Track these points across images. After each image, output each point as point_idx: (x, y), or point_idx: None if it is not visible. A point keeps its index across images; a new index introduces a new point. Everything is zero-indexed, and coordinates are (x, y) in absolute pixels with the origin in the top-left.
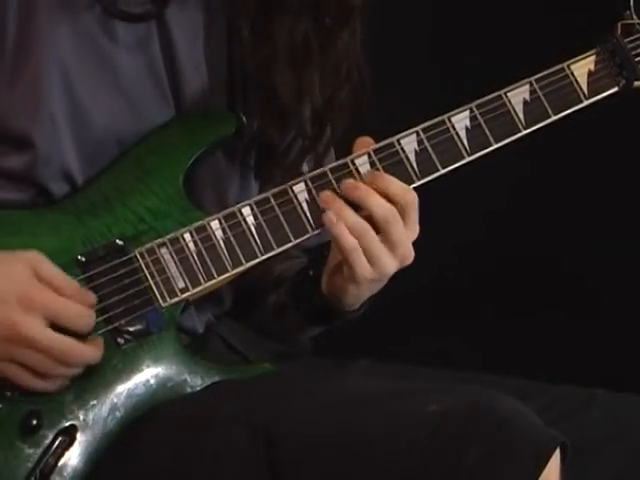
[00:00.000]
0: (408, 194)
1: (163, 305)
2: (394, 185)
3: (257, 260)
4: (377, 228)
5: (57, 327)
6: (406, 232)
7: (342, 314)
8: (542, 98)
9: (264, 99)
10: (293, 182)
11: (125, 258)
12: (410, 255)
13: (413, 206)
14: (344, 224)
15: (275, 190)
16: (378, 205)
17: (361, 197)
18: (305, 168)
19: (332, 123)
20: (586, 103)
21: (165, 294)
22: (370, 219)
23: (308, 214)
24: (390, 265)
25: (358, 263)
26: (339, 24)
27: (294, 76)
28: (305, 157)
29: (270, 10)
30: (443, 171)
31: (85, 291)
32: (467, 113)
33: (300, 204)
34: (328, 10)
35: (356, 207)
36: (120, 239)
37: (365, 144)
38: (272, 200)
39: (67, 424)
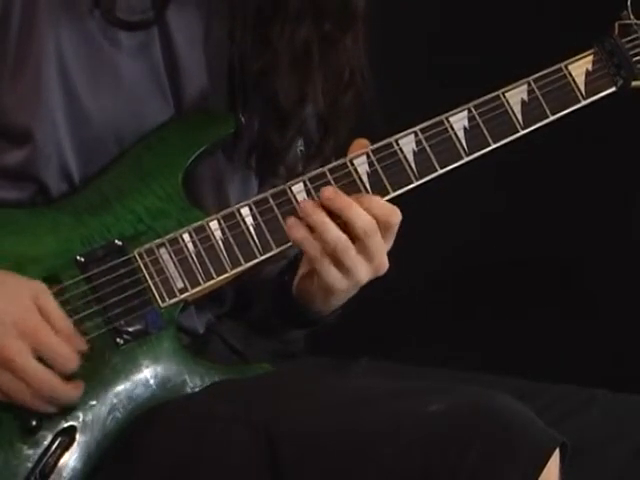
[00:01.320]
0: (395, 216)
1: (162, 305)
2: (382, 207)
3: (256, 260)
4: (354, 238)
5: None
6: (384, 244)
7: (312, 320)
8: (540, 98)
9: (264, 102)
10: (292, 182)
11: (124, 258)
12: (385, 265)
13: (396, 226)
14: (322, 236)
15: (274, 190)
16: (359, 216)
17: (341, 208)
18: None
19: (337, 128)
20: (584, 103)
21: (164, 294)
22: (346, 227)
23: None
24: (365, 275)
25: (327, 273)
26: (341, 29)
27: (295, 81)
28: (311, 163)
29: (270, 15)
30: (441, 171)
31: (78, 336)
32: (465, 113)
33: (299, 204)
34: (329, 15)
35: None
36: (119, 239)
37: (362, 145)
38: (271, 200)
39: (66, 425)
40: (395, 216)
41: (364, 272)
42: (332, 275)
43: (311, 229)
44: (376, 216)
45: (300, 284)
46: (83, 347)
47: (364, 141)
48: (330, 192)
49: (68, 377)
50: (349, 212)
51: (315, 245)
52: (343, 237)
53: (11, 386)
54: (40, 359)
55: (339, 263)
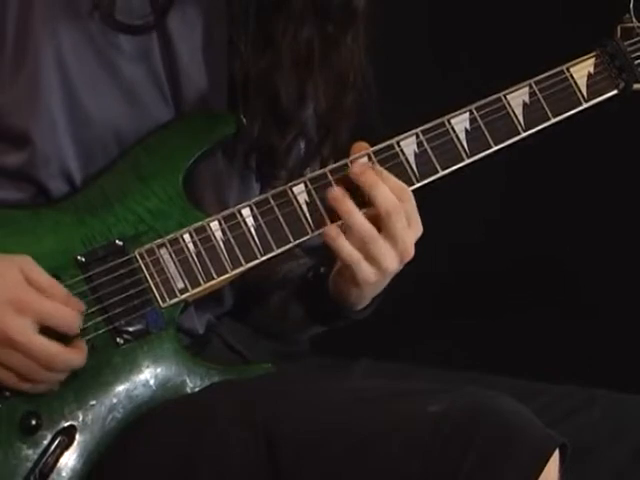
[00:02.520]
0: (405, 191)
1: (162, 305)
2: (392, 180)
3: (257, 261)
4: (380, 223)
5: (45, 332)
6: (407, 228)
7: (347, 314)
8: (542, 100)
9: (265, 104)
10: (293, 183)
11: (125, 259)
12: (410, 251)
13: (411, 202)
14: (351, 228)
15: (275, 191)
16: (383, 194)
17: (368, 183)
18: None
19: (337, 128)
20: (585, 106)
21: (164, 294)
22: (372, 214)
23: (308, 215)
24: (392, 263)
25: (361, 270)
26: (342, 30)
27: (296, 82)
28: (310, 162)
29: (271, 17)
30: (443, 173)
31: (73, 297)
32: (467, 115)
33: (300, 205)
34: (331, 16)
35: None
36: (120, 239)
37: (361, 148)
38: (272, 201)
39: (66, 424)
40: (406, 191)
41: (390, 259)
42: (364, 269)
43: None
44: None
45: (335, 278)
46: (80, 306)
47: (364, 144)
48: (359, 167)
49: (69, 342)
50: (376, 189)
51: (352, 248)
52: (368, 225)
53: (19, 364)
54: (42, 330)
55: (368, 254)
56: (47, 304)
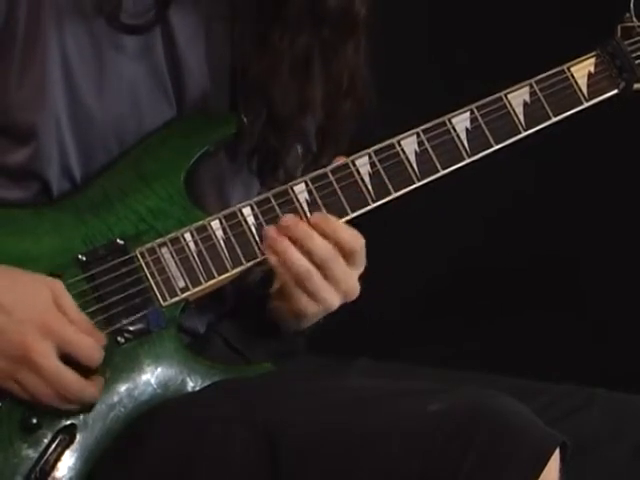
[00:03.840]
0: (357, 241)
1: (163, 304)
2: (343, 233)
3: (257, 260)
4: (317, 266)
5: (66, 361)
6: (349, 270)
7: (285, 335)
8: (542, 100)
9: (264, 107)
10: (294, 182)
11: (126, 257)
12: (355, 290)
13: (361, 251)
14: (286, 265)
15: (276, 190)
16: (316, 247)
17: (300, 237)
18: None
19: (335, 136)
20: (586, 105)
21: (165, 293)
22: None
23: (309, 214)
24: (333, 301)
25: (299, 298)
26: (342, 38)
27: (295, 88)
28: (309, 170)
29: (270, 21)
30: (443, 172)
31: (96, 329)
32: (468, 114)
33: (301, 205)
34: (331, 22)
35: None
36: (121, 238)
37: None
38: (273, 200)
39: (67, 423)
40: (357, 242)
41: (331, 297)
42: (303, 301)
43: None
44: (338, 242)
45: (274, 302)
46: (103, 340)
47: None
48: (289, 220)
49: (86, 374)
50: (308, 242)
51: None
52: (305, 264)
53: (34, 385)
54: (62, 357)
55: (305, 289)
56: (73, 333)
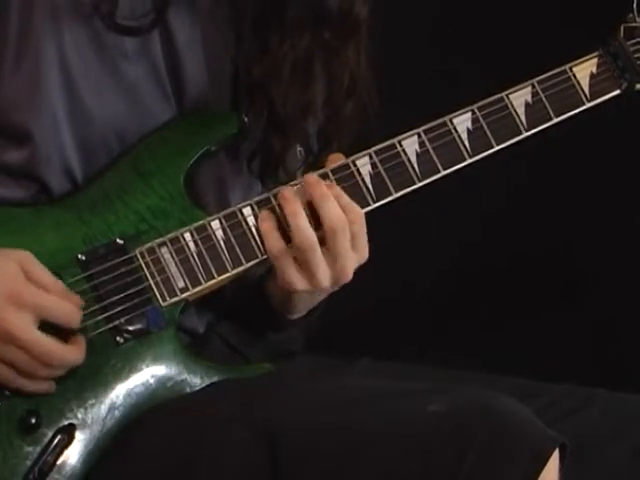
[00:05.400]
0: (356, 213)
1: (163, 304)
2: (345, 199)
3: (257, 260)
4: (323, 238)
5: (44, 328)
6: (350, 250)
7: (281, 319)
8: (544, 100)
9: (266, 108)
10: (294, 182)
11: (125, 257)
12: (349, 274)
13: (360, 225)
14: (293, 230)
15: (276, 190)
16: (331, 209)
17: (318, 195)
18: None
19: (338, 138)
20: (588, 105)
21: (165, 293)
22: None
23: (309, 214)
24: (325, 280)
25: (286, 270)
26: (343, 40)
27: (296, 90)
28: (309, 171)
29: (271, 22)
30: (444, 172)
31: (70, 292)
32: (469, 115)
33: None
34: (332, 24)
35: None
36: (121, 238)
37: (336, 160)
38: (273, 200)
39: (66, 423)
40: (357, 212)
41: (325, 275)
42: (291, 274)
43: (284, 218)
44: (344, 208)
45: (269, 286)
46: (78, 300)
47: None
48: (313, 179)
49: (68, 339)
50: (325, 202)
51: (278, 239)
52: (310, 232)
53: (18, 359)
54: (42, 326)
55: (302, 261)
56: (47, 298)
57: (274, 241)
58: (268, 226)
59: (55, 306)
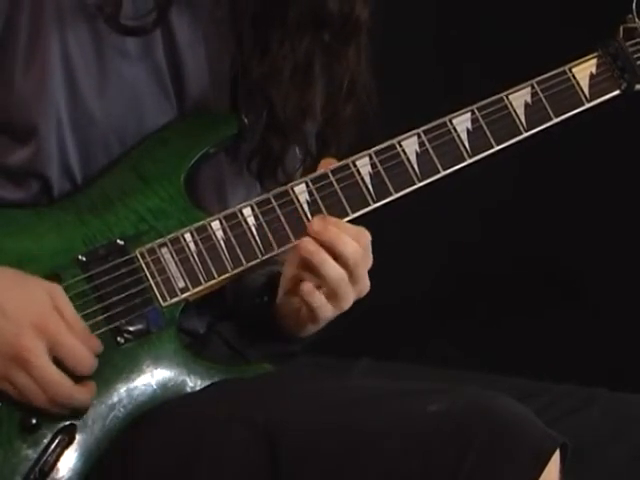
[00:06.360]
0: (362, 234)
1: (163, 305)
2: (348, 228)
3: (257, 261)
4: (346, 270)
5: (56, 363)
6: (366, 267)
7: (294, 341)
8: (544, 101)
9: (266, 110)
10: (294, 183)
11: (126, 258)
12: (367, 286)
13: (367, 242)
14: (326, 278)
15: (276, 191)
16: (350, 248)
17: (332, 240)
18: None
19: (337, 140)
20: (588, 106)
21: (165, 294)
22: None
23: (309, 215)
24: (351, 300)
25: (322, 306)
26: (344, 42)
27: (296, 92)
28: (308, 173)
29: (272, 24)
30: (444, 173)
31: (93, 337)
32: (469, 115)
33: (301, 205)
34: (332, 26)
35: None
36: (121, 239)
37: (328, 164)
38: (273, 201)
39: (66, 423)
40: (367, 237)
41: (352, 298)
42: (326, 307)
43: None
44: (357, 241)
45: (282, 308)
46: (99, 349)
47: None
48: (318, 225)
49: (79, 379)
50: (339, 244)
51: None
52: (340, 270)
53: (26, 386)
54: (55, 360)
55: (333, 295)
56: (68, 337)
57: (320, 302)
58: (317, 296)
59: (73, 347)
